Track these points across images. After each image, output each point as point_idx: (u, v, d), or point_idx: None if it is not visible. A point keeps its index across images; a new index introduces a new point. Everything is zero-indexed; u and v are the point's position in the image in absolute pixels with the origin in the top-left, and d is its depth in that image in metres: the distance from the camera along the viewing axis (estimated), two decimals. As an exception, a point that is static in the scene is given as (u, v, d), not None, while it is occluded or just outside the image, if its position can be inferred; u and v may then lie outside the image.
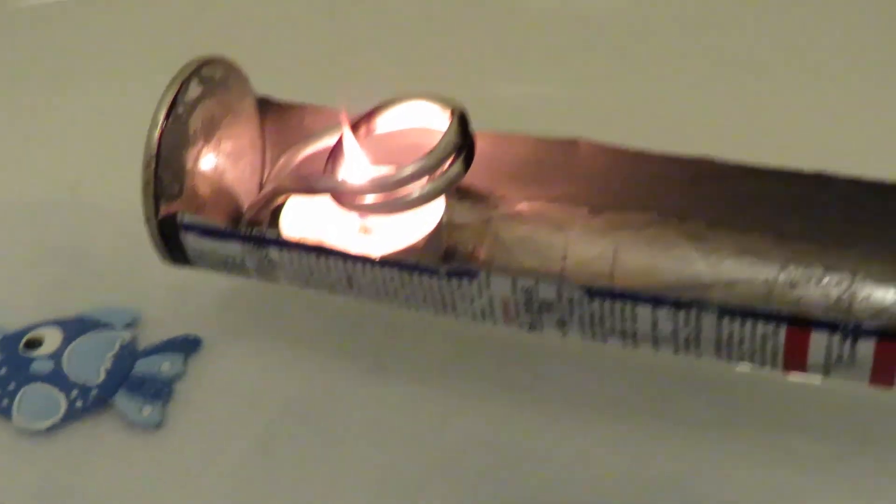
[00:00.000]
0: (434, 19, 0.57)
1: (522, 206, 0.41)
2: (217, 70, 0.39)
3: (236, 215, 0.40)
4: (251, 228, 0.39)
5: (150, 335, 0.42)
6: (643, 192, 0.39)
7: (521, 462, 0.37)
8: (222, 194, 0.39)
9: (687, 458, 0.37)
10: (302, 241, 0.36)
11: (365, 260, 0.35)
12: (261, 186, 0.42)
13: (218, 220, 0.39)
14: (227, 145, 0.39)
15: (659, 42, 0.54)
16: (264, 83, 0.41)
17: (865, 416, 0.37)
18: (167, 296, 0.43)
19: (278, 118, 0.42)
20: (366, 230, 0.39)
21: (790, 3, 0.55)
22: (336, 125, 0.39)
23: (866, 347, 0.31)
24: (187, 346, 0.41)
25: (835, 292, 0.37)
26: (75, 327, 0.42)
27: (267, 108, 0.42)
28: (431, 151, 0.36)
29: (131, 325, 0.43)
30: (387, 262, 0.35)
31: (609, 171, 0.39)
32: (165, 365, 0.41)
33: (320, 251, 0.36)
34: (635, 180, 0.39)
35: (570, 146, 0.39)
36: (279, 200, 0.40)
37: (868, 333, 0.31)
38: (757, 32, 0.54)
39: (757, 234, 0.38)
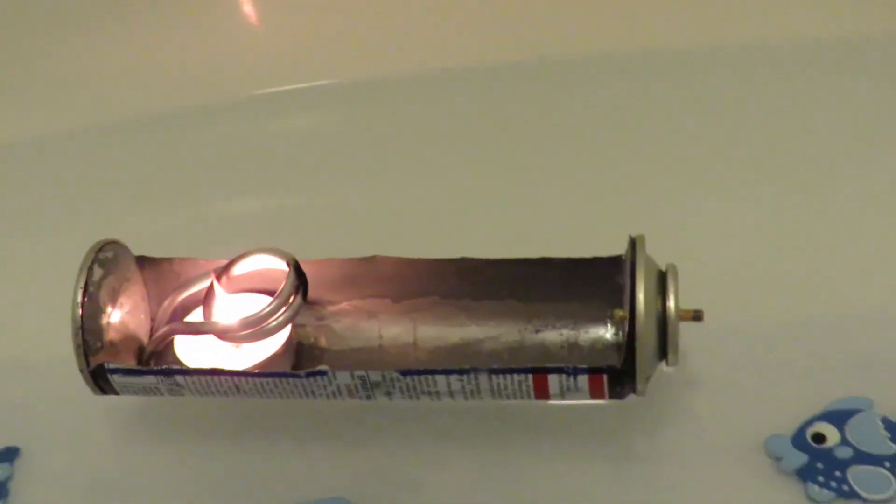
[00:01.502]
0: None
1: (343, 305, 0.57)
2: (109, 251, 0.53)
3: (140, 350, 0.55)
4: (161, 365, 0.54)
5: None
6: (426, 283, 0.56)
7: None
8: (129, 338, 0.54)
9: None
10: (198, 368, 0.52)
11: (247, 374, 0.51)
12: (152, 324, 0.56)
13: (131, 360, 0.54)
14: (126, 304, 0.54)
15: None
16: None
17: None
18: (363, 482, 0.53)
19: (154, 270, 0.56)
20: (237, 347, 0.54)
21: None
22: (202, 273, 0.55)
23: (582, 380, 0.49)
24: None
25: (565, 333, 0.55)
26: None
27: (144, 263, 0.56)
28: (279, 294, 0.52)
29: None
30: (262, 373, 0.51)
31: (400, 273, 0.55)
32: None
33: (213, 372, 0.51)
34: (418, 277, 0.55)
35: (369, 260, 0.55)
36: (171, 338, 0.55)
37: (581, 371, 0.49)
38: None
39: (508, 301, 0.55)
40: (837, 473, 0.50)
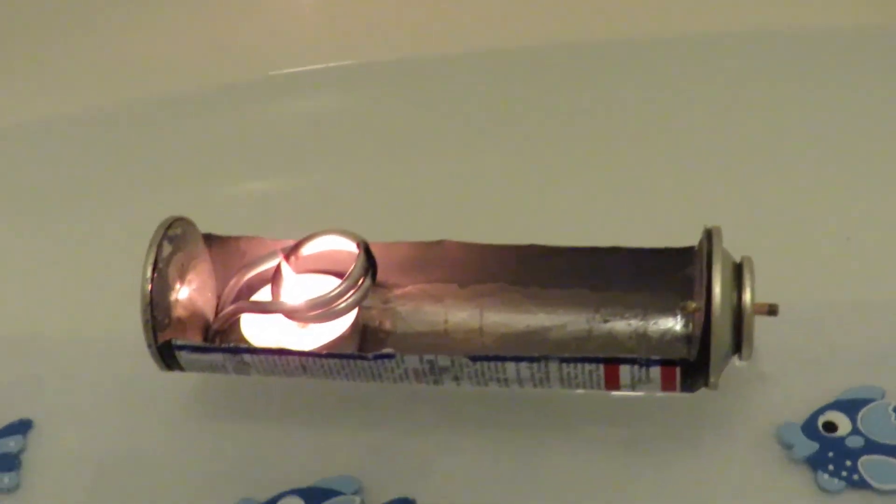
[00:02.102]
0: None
1: (410, 289, 0.56)
2: (177, 228, 0.53)
3: (206, 327, 0.55)
4: (229, 343, 0.54)
5: (374, 499, 0.52)
6: (493, 270, 0.55)
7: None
8: (195, 315, 0.54)
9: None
10: (266, 347, 0.51)
11: (315, 354, 0.51)
12: (218, 302, 0.56)
13: (197, 337, 0.54)
14: (194, 282, 0.54)
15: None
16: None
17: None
18: (375, 461, 0.53)
19: (221, 248, 0.56)
20: (303, 326, 0.54)
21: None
22: (269, 253, 0.55)
23: (655, 372, 0.49)
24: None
25: (634, 323, 0.54)
26: (314, 495, 0.52)
27: (210, 241, 0.56)
28: (349, 275, 0.51)
29: (357, 492, 0.52)
30: (330, 354, 0.51)
31: (467, 258, 0.55)
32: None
33: (281, 352, 0.51)
34: (486, 263, 0.55)
35: (437, 245, 0.55)
36: (238, 316, 0.55)
37: (654, 363, 0.48)
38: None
39: (576, 290, 0.55)
40: (848, 463, 0.49)
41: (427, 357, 0.50)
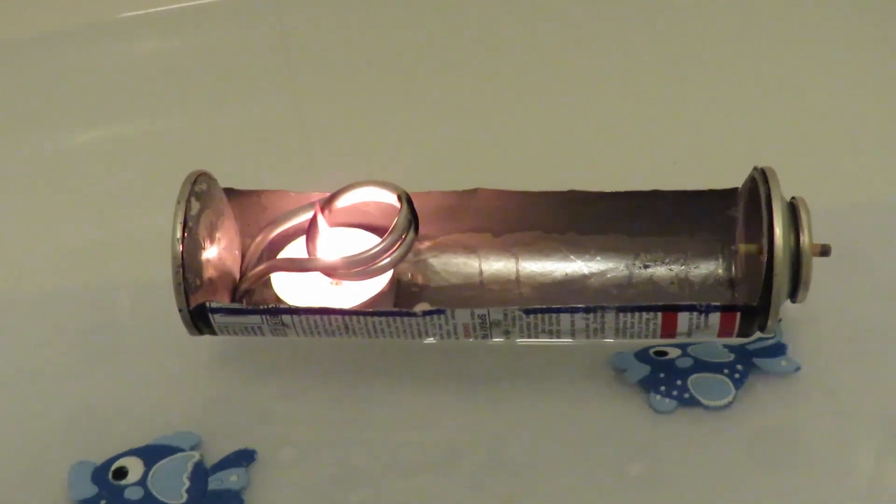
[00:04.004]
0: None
1: (442, 240, 0.55)
2: (203, 183, 0.50)
3: (233, 286, 0.53)
4: (264, 303, 0.51)
5: (213, 452, 0.50)
6: (529, 217, 0.54)
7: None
8: (224, 275, 0.52)
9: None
10: (309, 307, 0.49)
11: (361, 312, 0.49)
12: (242, 259, 0.54)
13: (225, 299, 0.51)
14: (222, 240, 0.51)
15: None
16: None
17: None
18: (214, 414, 0.52)
19: (241, 202, 0.54)
20: (337, 283, 0.52)
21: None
22: (299, 207, 0.52)
23: (714, 318, 0.48)
24: (245, 457, 0.50)
25: (675, 269, 0.53)
26: (151, 454, 0.50)
27: (230, 195, 0.54)
28: (394, 229, 0.49)
29: (196, 446, 0.50)
30: (377, 312, 0.49)
31: (502, 206, 0.54)
32: (233, 478, 0.49)
33: (324, 311, 0.49)
34: (522, 210, 0.54)
35: (471, 193, 0.53)
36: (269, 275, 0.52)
37: (714, 309, 0.48)
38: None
39: (614, 236, 0.54)
40: (679, 382, 0.51)
41: (479, 312, 0.48)
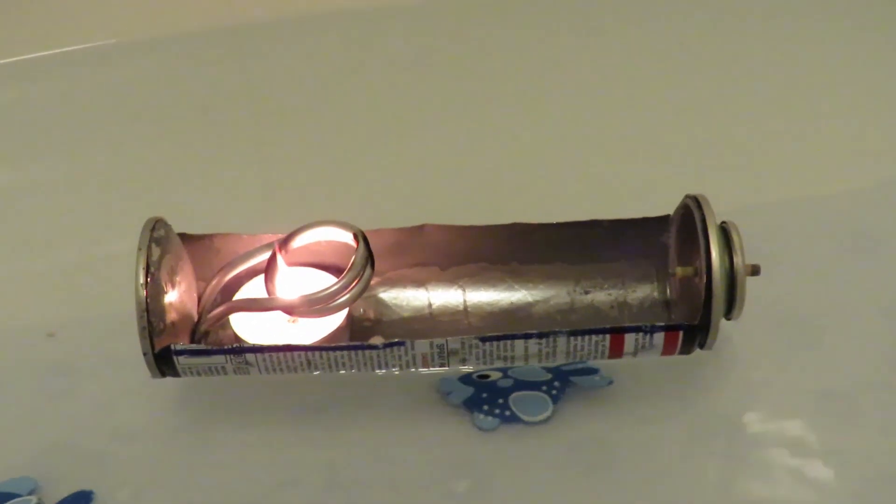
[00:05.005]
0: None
1: (391, 275, 0.57)
2: (161, 229, 0.52)
3: (192, 328, 0.54)
4: (216, 344, 0.53)
5: (51, 495, 0.51)
6: (474, 250, 0.56)
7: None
8: (185, 318, 0.53)
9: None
10: (272, 345, 0.51)
11: (324, 348, 0.50)
12: (199, 302, 0.55)
13: (185, 341, 0.52)
14: (182, 284, 0.53)
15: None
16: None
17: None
18: (50, 457, 0.53)
19: (195, 246, 0.55)
20: (294, 321, 0.54)
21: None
22: (256, 248, 0.54)
23: (658, 337, 0.51)
24: (83, 498, 0.51)
25: (614, 293, 0.56)
26: None
27: (183, 240, 0.55)
28: (352, 266, 0.51)
29: (33, 491, 0.51)
30: (339, 346, 0.51)
31: (448, 241, 0.56)
32: None
33: (288, 348, 0.50)
34: (467, 244, 0.56)
35: (418, 229, 0.56)
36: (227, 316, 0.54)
37: (659, 329, 0.51)
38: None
39: (556, 264, 0.56)
40: (500, 401, 0.54)
41: (437, 342, 0.50)
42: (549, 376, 0.55)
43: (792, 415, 0.54)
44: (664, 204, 0.55)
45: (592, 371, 0.55)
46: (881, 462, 0.52)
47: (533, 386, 0.55)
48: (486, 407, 0.54)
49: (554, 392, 0.54)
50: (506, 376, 0.55)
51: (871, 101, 0.71)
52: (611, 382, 0.55)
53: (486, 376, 0.55)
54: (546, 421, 0.54)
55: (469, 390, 0.55)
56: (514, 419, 0.54)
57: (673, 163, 0.67)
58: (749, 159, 0.68)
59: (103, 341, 0.58)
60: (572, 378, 0.55)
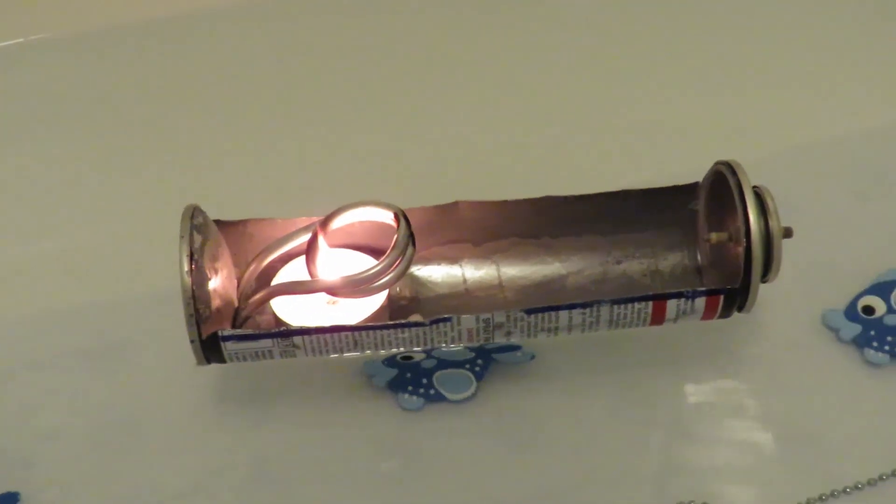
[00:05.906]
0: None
1: (424, 253, 0.57)
2: (199, 216, 0.52)
3: (234, 314, 0.54)
4: (263, 328, 0.53)
5: None
6: (506, 225, 0.57)
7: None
8: (227, 304, 0.53)
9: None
10: (320, 326, 0.51)
11: (372, 327, 0.51)
12: (238, 286, 0.55)
13: (227, 325, 0.52)
14: (223, 270, 0.52)
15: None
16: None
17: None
18: None
19: (231, 232, 0.55)
20: (333, 302, 0.54)
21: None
22: (294, 231, 0.54)
23: (700, 302, 0.52)
24: (9, 500, 0.51)
25: (645, 262, 0.57)
26: None
27: (220, 226, 0.55)
28: (395, 246, 0.51)
29: None
30: (387, 325, 0.51)
31: (481, 217, 0.56)
32: None
33: (335, 329, 0.51)
34: (499, 219, 0.56)
35: (451, 206, 0.56)
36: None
37: (700, 294, 0.51)
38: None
39: (587, 236, 0.57)
40: (424, 381, 0.55)
41: (483, 316, 0.51)
42: (472, 355, 0.56)
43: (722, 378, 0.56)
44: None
45: (515, 348, 0.56)
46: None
47: (456, 364, 0.56)
48: (410, 387, 0.55)
49: (477, 369, 0.55)
50: (429, 356, 0.56)
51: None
52: (533, 357, 0.56)
53: (410, 357, 0.56)
54: (471, 398, 0.55)
55: (393, 372, 0.55)
56: (438, 398, 0.54)
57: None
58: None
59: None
60: (495, 355, 0.56)
